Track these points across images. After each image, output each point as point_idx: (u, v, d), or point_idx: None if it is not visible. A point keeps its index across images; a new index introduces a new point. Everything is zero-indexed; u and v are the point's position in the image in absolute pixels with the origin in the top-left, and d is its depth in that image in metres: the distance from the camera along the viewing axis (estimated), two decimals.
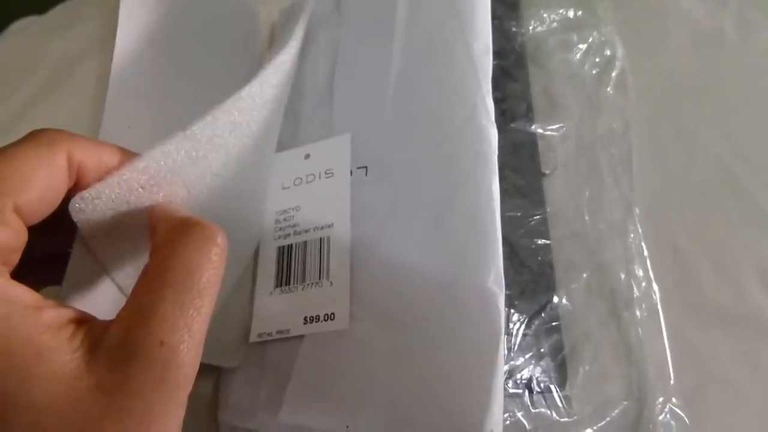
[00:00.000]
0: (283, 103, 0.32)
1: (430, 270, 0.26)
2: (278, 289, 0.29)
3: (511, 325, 0.29)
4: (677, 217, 0.32)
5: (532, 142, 0.34)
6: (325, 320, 0.27)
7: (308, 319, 0.28)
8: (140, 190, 0.21)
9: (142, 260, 0.19)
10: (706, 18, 0.37)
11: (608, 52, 0.36)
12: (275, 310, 0.29)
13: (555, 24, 0.37)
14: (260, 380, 0.28)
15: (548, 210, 0.33)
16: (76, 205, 0.20)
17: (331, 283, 0.28)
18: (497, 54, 0.31)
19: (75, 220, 0.21)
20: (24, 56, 0.46)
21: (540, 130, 0.35)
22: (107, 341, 0.17)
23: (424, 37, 0.32)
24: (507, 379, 0.28)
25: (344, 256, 0.28)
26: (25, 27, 0.49)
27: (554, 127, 0.35)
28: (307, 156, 0.32)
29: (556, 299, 0.30)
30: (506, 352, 0.28)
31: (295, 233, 0.30)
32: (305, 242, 0.30)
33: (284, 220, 0.31)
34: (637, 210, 0.32)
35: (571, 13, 0.38)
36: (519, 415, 0.28)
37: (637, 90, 0.35)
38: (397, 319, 0.26)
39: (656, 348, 0.29)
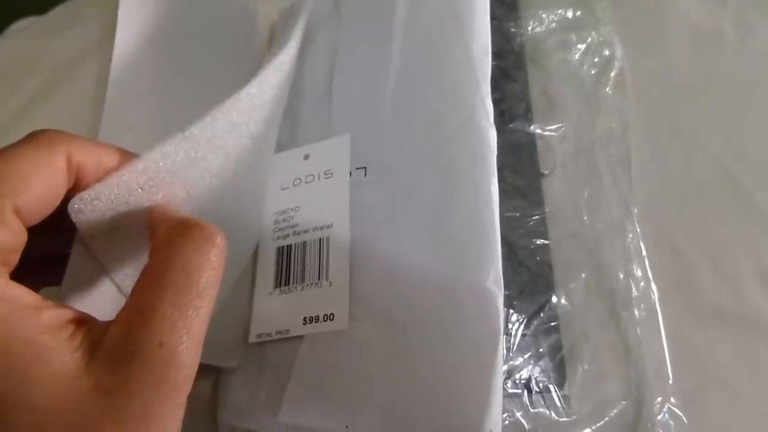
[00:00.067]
0: (282, 103, 0.32)
1: (429, 270, 0.26)
2: (277, 290, 0.29)
3: (510, 325, 0.29)
4: (676, 217, 0.32)
5: (530, 142, 0.34)
6: (324, 320, 0.27)
7: (307, 320, 0.28)
8: (139, 190, 0.21)
9: (142, 261, 0.19)
10: (705, 18, 0.37)
11: (607, 53, 0.36)
12: (274, 310, 0.29)
13: (554, 24, 0.37)
14: (259, 380, 0.28)
15: (547, 210, 0.33)
16: (75, 205, 0.20)
17: (331, 283, 0.28)
18: (496, 54, 0.31)
19: (74, 220, 0.21)
20: (24, 57, 0.46)
21: (539, 131, 0.35)
22: (107, 342, 0.17)
23: (423, 38, 0.32)
24: (506, 378, 0.28)
25: (343, 256, 0.28)
26: (25, 28, 0.49)
27: (553, 127, 0.35)
28: (306, 156, 0.32)
29: (554, 299, 0.30)
30: (505, 352, 0.28)
31: (294, 234, 0.30)
32: (304, 243, 0.30)
33: (283, 220, 0.31)
34: (636, 210, 0.32)
35: (569, 14, 0.38)
36: (518, 414, 0.28)
37: (636, 90, 0.35)
38: (397, 320, 0.26)
39: (655, 348, 0.29)
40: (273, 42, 0.41)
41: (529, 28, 0.37)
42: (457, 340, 0.25)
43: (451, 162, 0.28)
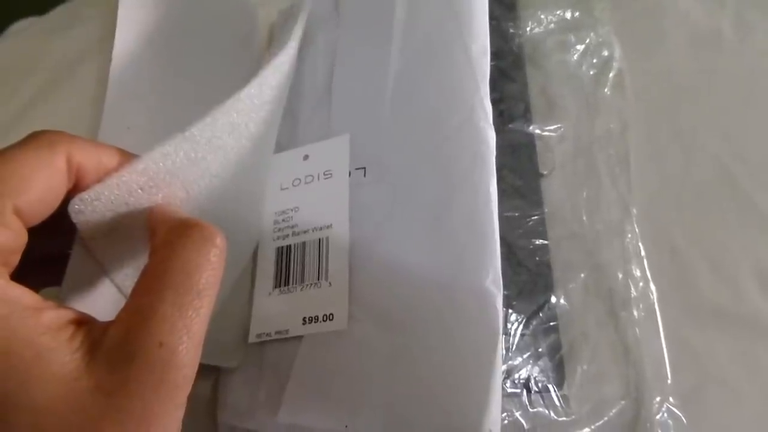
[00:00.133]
0: (282, 104, 0.32)
1: (429, 271, 0.26)
2: (277, 290, 0.30)
3: (509, 325, 0.29)
4: (675, 217, 0.32)
5: (530, 142, 0.34)
6: (323, 321, 0.27)
7: (307, 320, 0.28)
8: (139, 191, 0.21)
9: (142, 261, 0.19)
10: (704, 18, 0.37)
11: (606, 53, 0.36)
12: (274, 310, 0.29)
13: (552, 25, 0.37)
14: (259, 380, 0.28)
15: (546, 210, 0.33)
16: (75, 206, 0.20)
17: (330, 283, 0.28)
18: (495, 55, 0.31)
19: (74, 221, 0.21)
20: (24, 57, 0.46)
21: (538, 131, 0.35)
22: (107, 342, 0.17)
23: (422, 39, 0.32)
24: (505, 378, 0.28)
25: (343, 256, 0.28)
26: (25, 28, 0.49)
27: (552, 127, 0.35)
28: (306, 157, 0.32)
29: (553, 299, 0.30)
30: (504, 351, 0.28)
31: (294, 234, 0.30)
32: (304, 243, 0.30)
33: (283, 220, 0.31)
34: (635, 210, 0.32)
35: (568, 14, 0.38)
36: (517, 414, 0.28)
37: (635, 90, 0.35)
38: (396, 320, 0.26)
39: (654, 348, 0.29)
40: (273, 42, 0.41)
41: (528, 28, 0.37)
42: (456, 340, 0.25)
43: (451, 162, 0.28)
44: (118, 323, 0.18)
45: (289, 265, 0.30)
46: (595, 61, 0.36)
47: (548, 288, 0.31)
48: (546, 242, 0.32)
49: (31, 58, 0.46)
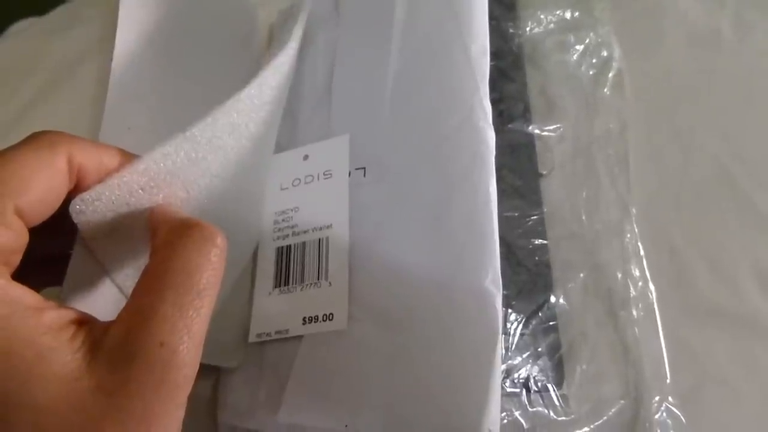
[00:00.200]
0: (282, 104, 0.32)
1: (428, 270, 0.26)
2: (277, 290, 0.30)
3: (508, 325, 0.29)
4: (674, 217, 0.32)
5: (529, 142, 0.35)
6: (323, 320, 0.27)
7: (307, 320, 0.28)
8: (140, 191, 0.21)
9: (142, 261, 0.20)
10: (703, 18, 0.37)
11: (605, 53, 0.36)
12: (274, 310, 0.29)
13: (552, 25, 0.38)
14: (259, 380, 0.28)
15: (545, 210, 0.33)
16: (76, 206, 0.20)
17: (330, 283, 0.28)
18: (494, 55, 0.31)
19: (75, 221, 0.21)
20: (24, 58, 0.46)
21: (537, 131, 0.35)
22: (107, 342, 0.17)
23: (422, 39, 0.32)
24: (504, 378, 0.28)
25: (343, 256, 0.28)
26: (25, 29, 0.49)
27: (551, 127, 0.35)
28: (306, 157, 0.33)
29: (553, 299, 0.30)
30: (504, 351, 0.28)
31: (294, 234, 0.30)
32: (304, 243, 0.30)
33: (283, 221, 0.31)
34: (634, 210, 0.32)
35: (568, 14, 0.38)
36: (516, 414, 0.28)
37: (634, 91, 0.35)
38: (395, 320, 0.26)
39: (653, 347, 0.29)
40: (272, 42, 0.41)
41: (528, 28, 0.38)
42: (455, 339, 0.25)
43: (450, 162, 0.28)
44: (119, 323, 0.18)
45: (289, 265, 0.30)
46: (594, 61, 0.36)
47: (547, 288, 0.31)
48: (545, 242, 0.32)
49: (31, 58, 0.46)
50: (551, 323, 0.30)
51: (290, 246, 0.30)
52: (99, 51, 0.43)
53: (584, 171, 0.34)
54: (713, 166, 0.33)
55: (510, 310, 0.29)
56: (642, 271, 0.31)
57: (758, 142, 0.33)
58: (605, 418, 0.28)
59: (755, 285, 0.30)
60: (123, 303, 0.18)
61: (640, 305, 0.30)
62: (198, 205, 0.24)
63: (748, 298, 0.30)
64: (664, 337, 0.29)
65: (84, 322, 0.18)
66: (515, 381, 0.28)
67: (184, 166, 0.23)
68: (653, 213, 0.32)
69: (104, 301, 0.23)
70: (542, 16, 0.38)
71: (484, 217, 0.27)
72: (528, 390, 0.28)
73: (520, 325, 0.29)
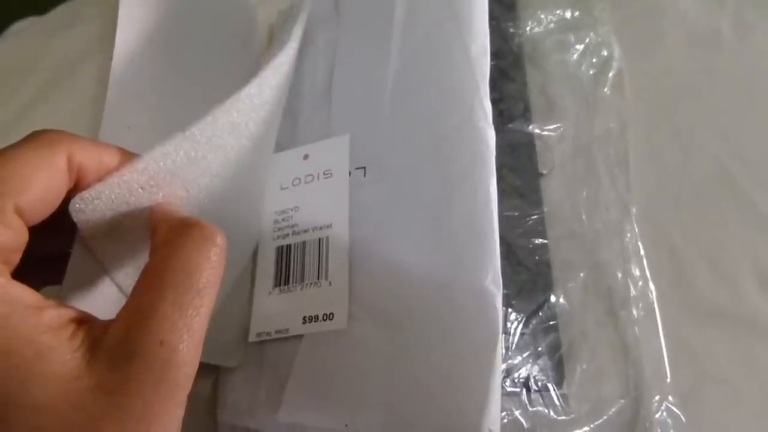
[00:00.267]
0: (282, 104, 0.32)
1: (428, 270, 0.26)
2: (277, 289, 0.30)
3: (508, 324, 0.29)
4: (674, 217, 0.32)
5: (529, 142, 0.35)
6: (323, 320, 0.27)
7: (307, 319, 0.28)
8: (140, 190, 0.21)
9: (142, 260, 0.20)
10: (703, 18, 0.37)
11: (605, 53, 0.36)
12: (274, 309, 0.29)
13: (552, 25, 0.38)
14: (259, 380, 0.28)
15: (545, 210, 0.33)
16: (76, 205, 0.20)
17: (330, 283, 0.28)
18: (495, 55, 0.31)
19: (75, 220, 0.21)
20: (24, 57, 0.46)
21: (537, 131, 0.35)
22: (107, 341, 0.17)
23: (422, 39, 0.32)
24: (504, 377, 0.28)
25: (343, 256, 0.28)
26: (25, 28, 0.49)
27: (551, 127, 0.35)
28: (306, 156, 0.33)
29: (553, 298, 0.30)
30: (504, 351, 0.28)
31: (294, 233, 0.30)
32: (304, 242, 0.30)
33: (283, 220, 0.31)
34: (634, 210, 0.32)
35: (568, 14, 0.38)
36: (517, 413, 0.28)
37: (634, 90, 0.35)
38: (395, 319, 0.26)
39: (653, 347, 0.29)
40: (272, 42, 0.41)
41: (528, 28, 0.38)
42: (455, 339, 0.25)
43: (450, 162, 0.28)
44: (119, 322, 0.18)
45: (289, 265, 0.30)
46: (594, 60, 0.36)
47: (548, 287, 0.31)
48: (545, 241, 0.32)
49: (31, 58, 0.46)
50: (551, 323, 0.30)
51: (290, 245, 0.30)
52: (99, 50, 0.43)
53: (584, 171, 0.34)
54: (713, 166, 0.33)
55: (510, 310, 0.29)
56: (642, 270, 0.31)
57: (758, 142, 0.33)
58: (605, 417, 0.28)
59: (755, 285, 0.30)
60: (123, 302, 0.18)
61: (640, 305, 0.30)
62: (198, 205, 0.24)
63: (748, 298, 0.30)
64: (664, 337, 0.29)
65: (84, 320, 0.18)
66: (515, 380, 0.28)
67: (183, 165, 0.23)
68: (653, 213, 0.32)
69: (104, 299, 0.23)
70: (542, 16, 0.38)
71: (484, 217, 0.27)
72: (528, 389, 0.28)
73: (521, 325, 0.29)
